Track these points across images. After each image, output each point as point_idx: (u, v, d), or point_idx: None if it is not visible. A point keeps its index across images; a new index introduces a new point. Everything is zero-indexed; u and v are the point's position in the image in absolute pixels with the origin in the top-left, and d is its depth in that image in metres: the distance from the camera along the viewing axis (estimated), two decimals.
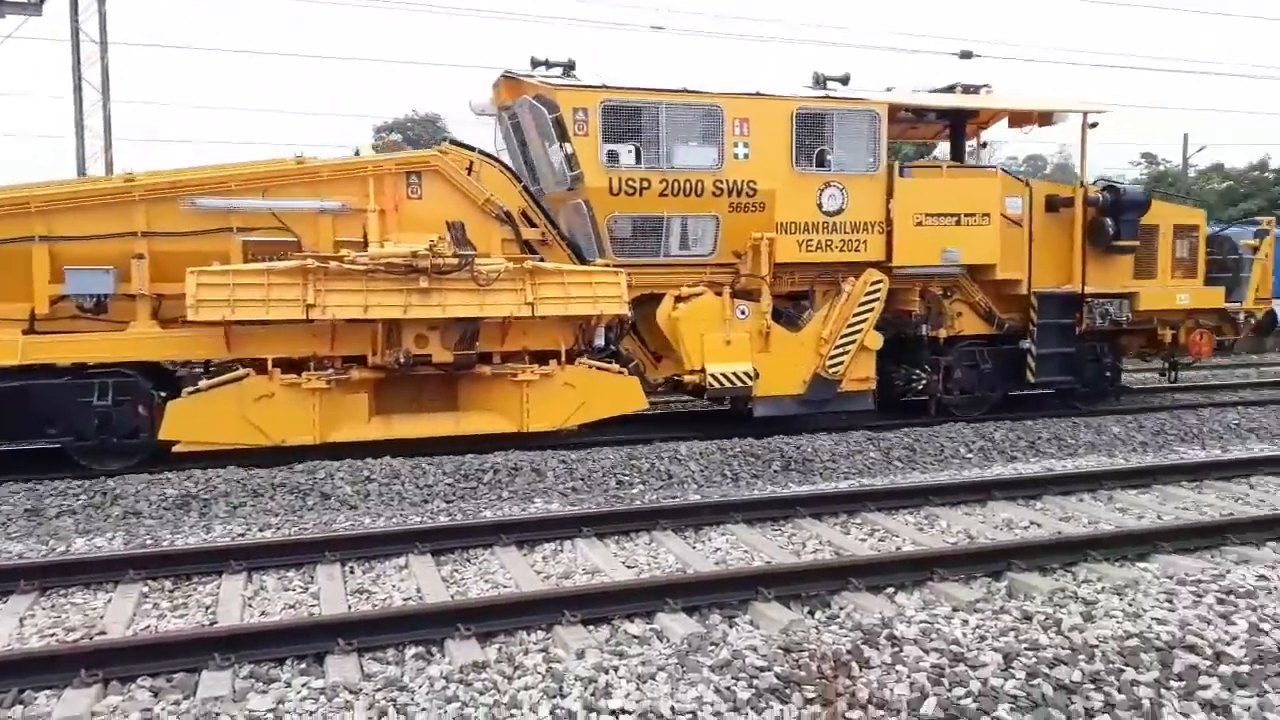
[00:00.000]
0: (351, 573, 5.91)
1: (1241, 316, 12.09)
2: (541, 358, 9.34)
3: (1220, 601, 4.68)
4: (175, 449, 8.40)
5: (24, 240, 8.34)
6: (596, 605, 4.96)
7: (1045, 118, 11.67)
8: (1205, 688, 3.90)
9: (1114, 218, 10.98)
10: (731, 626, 4.92)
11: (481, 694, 3.78)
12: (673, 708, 3.61)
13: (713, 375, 9.62)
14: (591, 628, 4.86)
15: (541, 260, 9.30)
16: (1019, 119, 11.81)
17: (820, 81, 10.78)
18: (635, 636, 4.76)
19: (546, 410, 9.23)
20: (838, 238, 10.16)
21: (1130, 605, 4.64)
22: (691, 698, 3.68)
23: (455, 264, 8.64)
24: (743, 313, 9.85)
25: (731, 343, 9.74)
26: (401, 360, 8.75)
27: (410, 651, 4.63)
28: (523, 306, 8.87)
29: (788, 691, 3.75)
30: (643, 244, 9.82)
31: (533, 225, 9.69)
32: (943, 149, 13.61)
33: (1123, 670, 4.00)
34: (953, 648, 4.13)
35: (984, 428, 10.14)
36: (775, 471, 8.77)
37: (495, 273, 8.79)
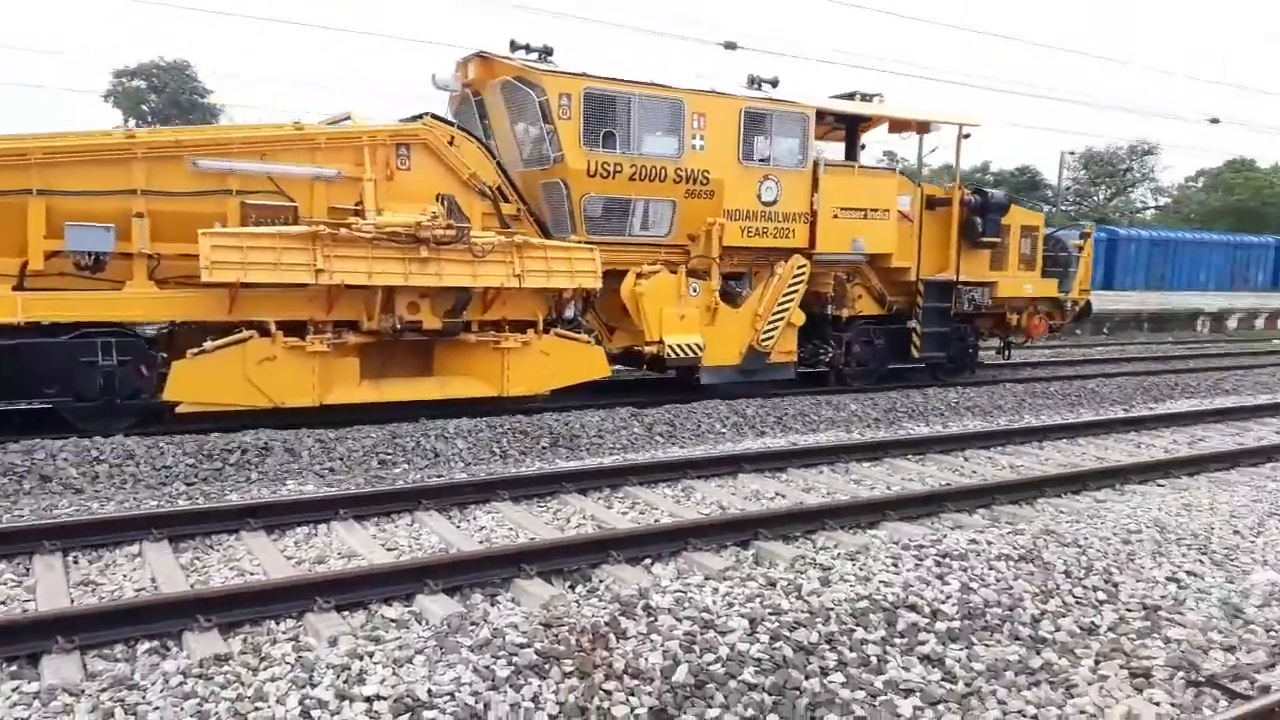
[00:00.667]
0: (76, 563, 5.39)
1: (1069, 304, 14.24)
2: (518, 327, 9.90)
3: (938, 564, 5.18)
4: (178, 409, 8.37)
5: (21, 193, 8.02)
6: (352, 590, 4.79)
7: (924, 126, 13.20)
8: (924, 643, 4.31)
9: (982, 217, 12.79)
10: (493, 605, 4.91)
11: (223, 688, 3.57)
12: (430, 690, 3.56)
13: (670, 346, 10.66)
14: (346, 614, 4.69)
15: (519, 235, 9.77)
16: (900, 126, 13.09)
17: (755, 83, 11.76)
18: (393, 620, 4.65)
19: (525, 376, 9.88)
20: (773, 225, 11.38)
21: (861, 570, 5.04)
22: (449, 679, 3.64)
23: (453, 236, 9.06)
24: (694, 290, 10.88)
25: (685, 317, 10.79)
26: (396, 326, 9.15)
27: (143, 647, 4.28)
28: (511, 278, 9.46)
29: (547, 667, 3.79)
30: (611, 223, 10.58)
31: (507, 200, 10.16)
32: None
33: (854, 630, 4.35)
34: (704, 615, 4.33)
35: (737, 405, 10.67)
36: (544, 448, 8.82)
37: (490, 245, 9.30)
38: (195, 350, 8.35)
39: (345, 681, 3.60)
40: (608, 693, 3.69)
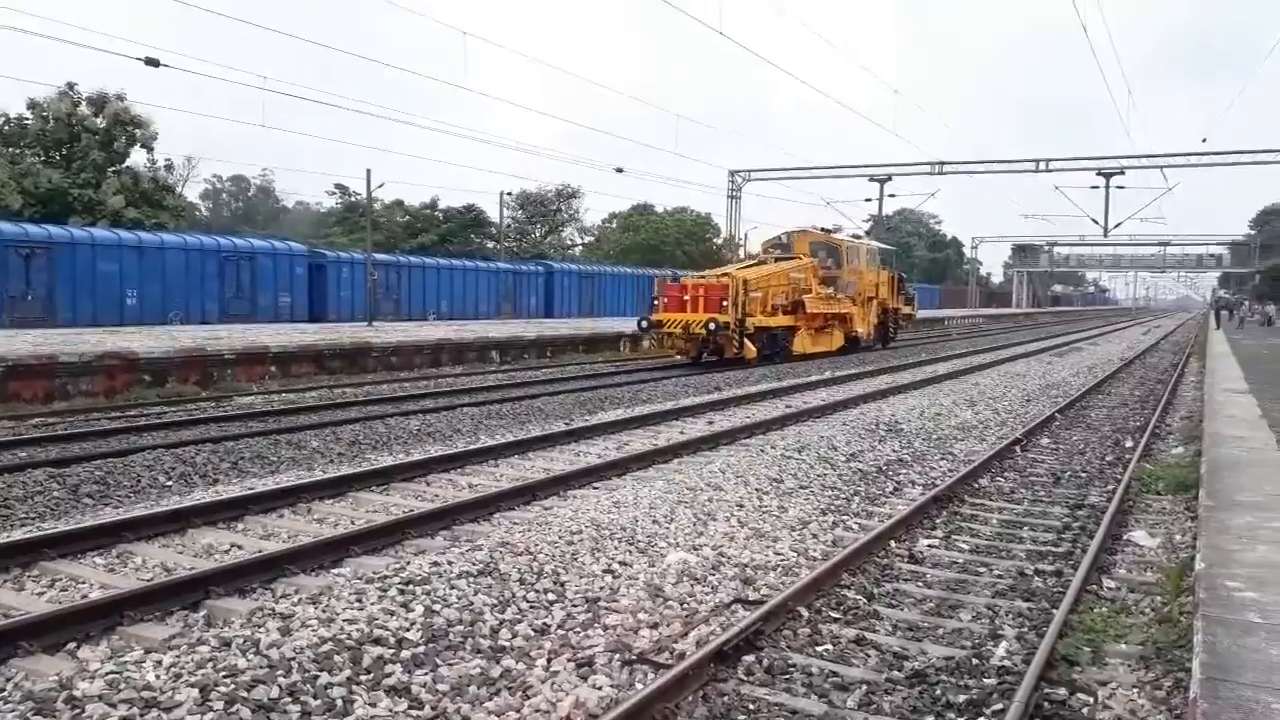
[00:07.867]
0: None
1: (915, 316, 35.06)
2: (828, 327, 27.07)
3: (402, 592, 5.22)
4: (795, 353, 24.68)
5: (758, 291, 23.55)
6: None
7: (862, 239, 32.05)
8: (390, 675, 4.30)
9: (902, 282, 32.43)
10: None
11: None
12: None
13: (860, 334, 28.09)
14: None
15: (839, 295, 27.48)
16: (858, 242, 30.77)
17: (858, 235, 31.19)
18: None
19: (830, 343, 26.56)
20: (874, 288, 29.40)
21: (325, 611, 4.89)
22: None
23: (834, 295, 26.58)
24: (864, 312, 28.97)
25: (862, 322, 28.45)
26: (818, 326, 26.12)
27: None
28: (841, 309, 26.95)
29: None
30: (846, 290, 27.54)
31: (824, 284, 26.45)
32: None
33: (318, 676, 4.19)
34: (144, 694, 3.87)
35: (184, 452, 9.74)
36: None
37: (839, 299, 26.93)
38: (796, 335, 24.47)
39: None
40: None
